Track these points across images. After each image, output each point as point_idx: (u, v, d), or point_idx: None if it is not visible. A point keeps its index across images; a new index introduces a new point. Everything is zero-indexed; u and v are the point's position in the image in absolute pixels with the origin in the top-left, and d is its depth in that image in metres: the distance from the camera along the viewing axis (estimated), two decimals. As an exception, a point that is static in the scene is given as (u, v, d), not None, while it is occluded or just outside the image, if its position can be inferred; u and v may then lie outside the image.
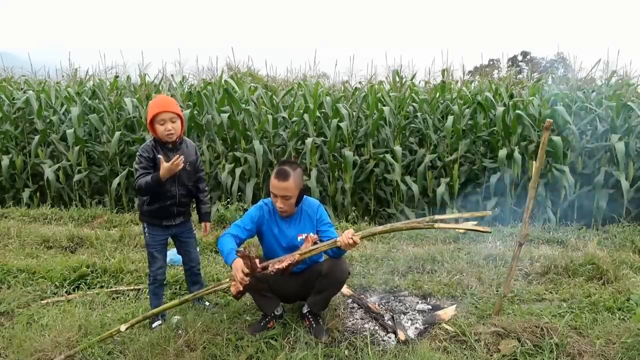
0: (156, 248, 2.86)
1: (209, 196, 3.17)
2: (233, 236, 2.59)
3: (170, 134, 2.69)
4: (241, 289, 2.42)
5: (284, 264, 2.42)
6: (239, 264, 2.37)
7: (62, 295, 3.35)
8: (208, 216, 3.06)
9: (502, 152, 5.56)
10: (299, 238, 2.68)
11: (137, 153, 2.73)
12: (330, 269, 2.64)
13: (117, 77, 7.20)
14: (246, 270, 2.35)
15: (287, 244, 2.69)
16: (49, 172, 6.21)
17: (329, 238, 2.63)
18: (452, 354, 2.48)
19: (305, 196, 2.75)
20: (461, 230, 3.10)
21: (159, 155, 2.66)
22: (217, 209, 5.36)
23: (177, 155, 2.58)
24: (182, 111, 2.85)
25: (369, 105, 6.18)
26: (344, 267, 2.69)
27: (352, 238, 2.38)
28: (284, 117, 6.30)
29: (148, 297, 3.23)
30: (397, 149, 5.83)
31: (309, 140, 5.75)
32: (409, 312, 3.02)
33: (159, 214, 2.81)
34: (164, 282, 2.97)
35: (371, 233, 2.60)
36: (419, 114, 6.43)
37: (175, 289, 3.43)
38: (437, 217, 2.51)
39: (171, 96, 6.60)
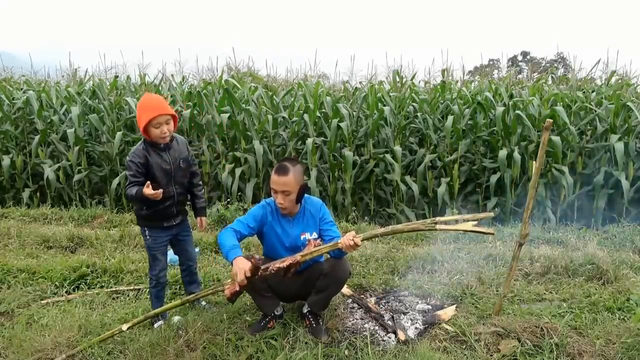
0: (159, 250, 2.83)
1: (203, 190, 3.11)
2: (235, 231, 2.56)
3: (166, 136, 2.64)
4: (237, 289, 2.38)
5: (285, 264, 2.43)
6: (242, 263, 2.31)
7: (62, 295, 3.35)
8: (204, 211, 3.02)
9: (502, 152, 5.56)
10: (302, 237, 2.69)
11: (128, 159, 2.62)
12: (332, 268, 2.64)
13: (117, 77, 7.20)
14: (248, 274, 2.28)
15: (290, 243, 2.69)
16: (49, 172, 6.21)
17: (331, 237, 2.65)
18: (452, 354, 2.48)
19: (307, 195, 2.75)
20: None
21: (145, 189, 2.51)
22: (217, 209, 5.36)
23: (160, 190, 2.53)
24: (173, 109, 2.78)
25: (369, 105, 6.18)
26: (346, 267, 2.70)
27: (353, 240, 2.38)
28: (284, 117, 6.31)
29: (148, 297, 3.24)
30: (397, 149, 5.83)
31: (309, 141, 5.75)
32: (409, 312, 3.02)
33: (159, 217, 2.77)
34: (166, 284, 2.96)
35: (372, 235, 2.59)
36: (419, 114, 6.43)
37: (175, 289, 3.43)
38: (438, 218, 2.50)
39: (171, 96, 6.59)
